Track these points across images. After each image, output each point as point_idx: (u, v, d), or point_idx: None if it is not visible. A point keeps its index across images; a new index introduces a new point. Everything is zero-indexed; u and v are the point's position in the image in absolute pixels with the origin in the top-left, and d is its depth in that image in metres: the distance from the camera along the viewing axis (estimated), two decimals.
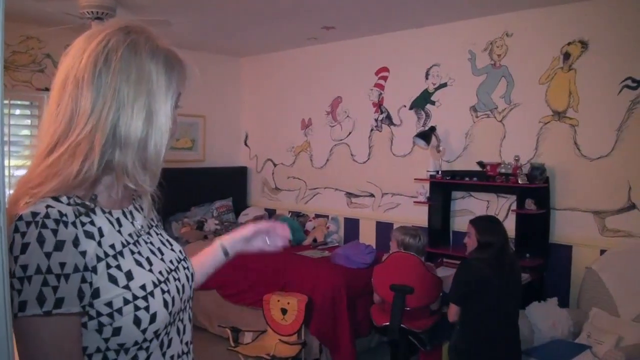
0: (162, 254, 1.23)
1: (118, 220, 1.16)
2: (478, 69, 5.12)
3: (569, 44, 4.54)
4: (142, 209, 1.25)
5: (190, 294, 1.30)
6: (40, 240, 0.96)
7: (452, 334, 3.67)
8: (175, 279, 1.21)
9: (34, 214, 0.99)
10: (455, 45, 5.27)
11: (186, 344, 1.26)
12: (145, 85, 1.10)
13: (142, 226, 1.23)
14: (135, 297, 1.08)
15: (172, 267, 1.23)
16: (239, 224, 6.46)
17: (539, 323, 3.94)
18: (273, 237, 1.63)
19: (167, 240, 1.31)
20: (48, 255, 0.96)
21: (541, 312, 4.02)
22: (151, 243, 1.23)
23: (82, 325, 1.04)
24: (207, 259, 1.56)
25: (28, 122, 5.67)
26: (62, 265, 0.97)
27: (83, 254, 1.01)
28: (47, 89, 5.87)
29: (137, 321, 1.07)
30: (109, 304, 1.05)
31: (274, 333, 4.38)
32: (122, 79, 1.08)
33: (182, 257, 1.30)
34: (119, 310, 1.05)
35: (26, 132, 5.67)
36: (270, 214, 6.94)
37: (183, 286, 1.24)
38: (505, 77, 4.93)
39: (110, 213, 1.14)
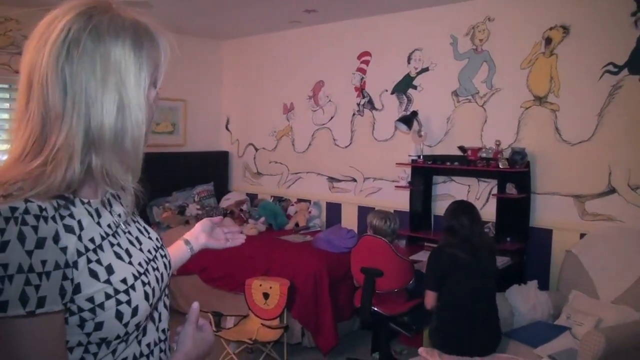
0: (140, 243, 1.21)
1: (97, 210, 1.12)
2: (460, 54, 5.12)
3: (550, 29, 4.55)
4: (118, 198, 1.22)
5: (168, 282, 1.28)
6: (21, 238, 0.92)
7: (432, 318, 3.71)
8: (154, 269, 1.19)
9: (13, 209, 0.94)
10: (437, 30, 5.26)
11: (162, 331, 1.24)
12: (112, 74, 1.04)
13: (120, 215, 1.19)
14: (116, 292, 1.05)
15: (151, 257, 1.21)
16: (221, 209, 6.44)
17: (519, 306, 3.99)
18: (231, 234, 1.76)
19: (144, 228, 1.28)
20: (30, 253, 0.92)
21: (521, 294, 4.06)
22: (129, 232, 1.20)
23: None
24: (172, 253, 1.50)
25: (7, 105, 5.58)
26: (44, 263, 0.94)
27: (64, 250, 0.98)
28: None
29: (119, 315, 1.05)
30: (91, 299, 1.02)
31: (256, 317, 4.38)
32: (88, 73, 1.02)
33: (159, 245, 1.28)
34: (101, 305, 1.03)
35: (5, 115, 5.58)
36: (252, 198, 6.91)
37: (162, 275, 1.22)
38: (487, 62, 4.93)
39: (89, 203, 1.10)
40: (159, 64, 1.14)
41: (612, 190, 4.30)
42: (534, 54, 4.64)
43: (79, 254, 1.01)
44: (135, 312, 1.08)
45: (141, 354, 1.16)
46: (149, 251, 1.22)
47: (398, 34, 5.57)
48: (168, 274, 1.27)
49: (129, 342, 1.11)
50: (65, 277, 0.97)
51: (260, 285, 4.42)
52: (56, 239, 0.97)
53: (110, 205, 1.18)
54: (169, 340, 1.29)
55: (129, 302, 1.07)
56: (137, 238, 1.21)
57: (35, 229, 0.94)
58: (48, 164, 1.00)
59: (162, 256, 1.27)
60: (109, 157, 1.06)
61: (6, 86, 5.48)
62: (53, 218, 0.98)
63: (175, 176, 6.62)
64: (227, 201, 6.71)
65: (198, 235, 1.65)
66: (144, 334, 1.17)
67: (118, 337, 1.07)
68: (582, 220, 4.45)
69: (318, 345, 4.59)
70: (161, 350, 1.23)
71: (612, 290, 3.86)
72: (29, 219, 0.94)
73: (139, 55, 1.08)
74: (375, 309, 4.21)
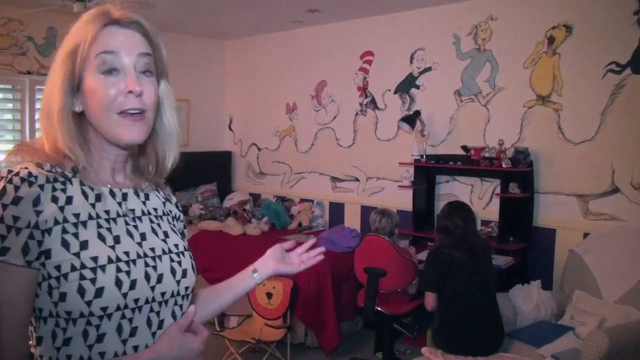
0: (143, 239, 1.22)
1: (98, 195, 1.19)
2: (463, 53, 5.12)
3: (553, 28, 4.54)
4: (147, 197, 1.33)
5: (177, 290, 1.25)
6: (2, 193, 1.06)
7: (434, 319, 3.72)
8: (148, 265, 1.19)
9: (9, 172, 1.09)
10: (440, 29, 5.26)
11: None
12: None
13: (133, 210, 1.25)
14: (82, 266, 1.10)
15: (151, 254, 1.21)
16: (224, 208, 6.44)
17: (522, 305, 3.98)
18: (306, 254, 1.65)
19: (165, 232, 1.30)
20: (4, 206, 1.05)
21: (524, 294, 4.05)
22: (134, 227, 1.23)
23: (38, 285, 1.09)
24: (236, 279, 1.56)
25: (10, 106, 5.58)
26: (16, 219, 1.05)
27: (38, 213, 1.08)
28: (30, 72, 5.80)
29: (80, 291, 1.08)
30: (58, 268, 1.09)
31: (260, 317, 4.38)
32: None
33: (175, 251, 1.28)
34: (65, 276, 1.09)
35: (9, 116, 5.58)
36: (255, 198, 6.92)
37: (160, 276, 1.21)
38: (490, 61, 4.93)
39: (90, 187, 1.18)
40: (95, 44, 1.16)
41: (615, 190, 4.29)
42: (537, 53, 4.64)
43: (56, 222, 1.10)
44: (99, 293, 1.10)
45: (124, 354, 1.15)
46: (151, 249, 1.23)
47: (401, 34, 5.57)
48: (177, 281, 1.25)
49: (100, 329, 1.11)
50: (31, 237, 1.07)
51: (264, 284, 4.42)
52: (36, 202, 1.08)
53: (125, 200, 1.25)
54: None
55: (93, 281, 1.10)
56: (142, 234, 1.24)
57: (17, 188, 1.07)
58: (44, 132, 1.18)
59: (172, 260, 1.26)
60: (51, 129, 1.16)
61: (9, 87, 5.48)
62: (41, 186, 1.10)
63: (178, 176, 6.57)
64: (230, 201, 6.71)
65: (266, 262, 1.58)
66: (132, 335, 1.16)
67: (82, 315, 1.09)
68: (586, 220, 4.44)
69: (321, 345, 4.60)
70: None
71: (616, 290, 3.85)
72: (15, 179, 1.07)
73: (74, 33, 1.17)
74: (379, 308, 4.22)
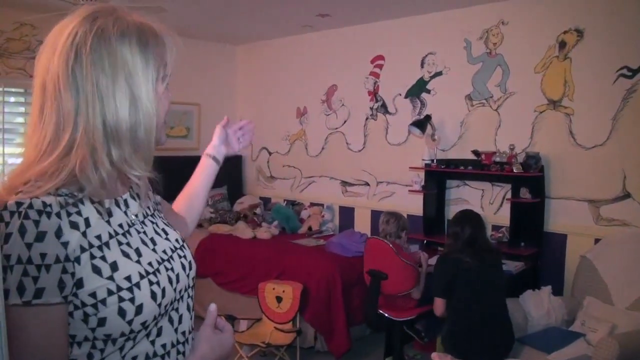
0: (154, 244, 1.22)
1: (109, 210, 1.15)
2: (474, 58, 5.11)
3: (564, 32, 4.52)
4: (138, 197, 1.26)
5: (189, 283, 1.28)
6: (22, 231, 0.97)
7: (444, 325, 3.72)
8: (167, 269, 1.20)
9: (19, 204, 0.99)
10: (450, 34, 5.25)
11: (182, 333, 1.24)
12: (121, 70, 1.09)
13: (136, 215, 1.23)
14: (119, 289, 1.07)
15: (165, 257, 1.22)
16: (234, 212, 6.46)
17: (532, 311, 3.96)
18: (241, 132, 1.91)
19: (163, 230, 1.30)
20: (29, 245, 0.97)
21: (535, 300, 4.03)
22: (144, 233, 1.22)
23: (69, 314, 1.04)
24: (202, 173, 1.82)
25: (22, 109, 5.64)
26: (43, 256, 0.98)
27: (65, 244, 1.01)
28: None
29: (121, 312, 1.06)
30: (93, 295, 1.04)
31: (269, 321, 4.39)
32: (97, 71, 1.07)
33: (178, 246, 1.29)
34: (103, 301, 1.05)
35: (20, 119, 5.64)
36: (265, 202, 6.93)
37: (177, 276, 1.23)
38: (501, 66, 4.92)
39: (100, 203, 1.12)
40: (166, 60, 1.19)
41: (626, 195, 4.27)
42: (548, 58, 4.62)
43: (82, 249, 1.04)
44: (139, 310, 1.09)
45: (155, 354, 1.16)
46: (164, 251, 1.23)
47: (411, 38, 5.57)
48: (187, 275, 1.27)
49: (137, 340, 1.12)
50: (64, 271, 1.00)
51: (274, 288, 4.43)
52: (58, 234, 1.00)
53: (127, 206, 1.21)
54: (190, 342, 1.29)
55: (132, 300, 1.08)
56: (152, 239, 1.23)
57: (37, 223, 0.98)
58: (62, 156, 1.06)
59: (180, 257, 1.27)
60: (127, 148, 1.11)
61: (22, 90, 5.54)
62: (58, 214, 1.01)
63: (189, 180, 6.64)
64: (240, 205, 6.72)
65: (219, 148, 1.84)
66: (159, 334, 1.18)
67: (123, 334, 1.08)
68: (597, 225, 4.42)
69: (331, 350, 4.59)
70: (179, 352, 1.22)
71: (627, 296, 3.82)
72: (32, 214, 0.98)
73: (144, 51, 1.13)
74: (380, 311, 4.22)
